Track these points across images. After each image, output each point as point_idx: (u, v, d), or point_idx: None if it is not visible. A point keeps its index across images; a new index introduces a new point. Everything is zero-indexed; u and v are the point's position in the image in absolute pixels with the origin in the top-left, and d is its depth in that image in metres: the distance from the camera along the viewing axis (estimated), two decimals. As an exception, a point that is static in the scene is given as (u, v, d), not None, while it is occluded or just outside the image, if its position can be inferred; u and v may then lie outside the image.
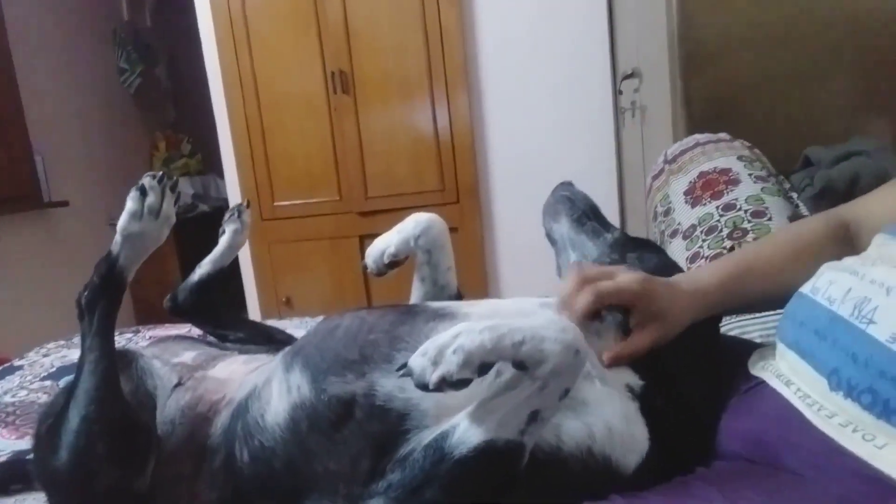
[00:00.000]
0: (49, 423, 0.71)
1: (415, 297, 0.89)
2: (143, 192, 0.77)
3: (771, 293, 0.76)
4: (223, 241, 1.02)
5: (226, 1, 2.70)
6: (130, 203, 0.77)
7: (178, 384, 0.77)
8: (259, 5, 2.71)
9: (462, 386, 0.52)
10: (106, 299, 0.75)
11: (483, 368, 0.52)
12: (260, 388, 0.70)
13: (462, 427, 0.54)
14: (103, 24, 3.98)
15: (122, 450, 0.68)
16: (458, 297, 0.88)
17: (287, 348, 0.74)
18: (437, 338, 0.53)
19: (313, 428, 0.63)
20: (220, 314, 1.01)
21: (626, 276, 0.70)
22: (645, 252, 0.85)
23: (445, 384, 0.52)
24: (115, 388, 0.71)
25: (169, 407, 0.75)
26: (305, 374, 0.66)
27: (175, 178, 0.82)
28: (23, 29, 3.27)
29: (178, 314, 1.02)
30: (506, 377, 0.55)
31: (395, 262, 0.86)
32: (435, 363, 0.52)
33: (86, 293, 0.76)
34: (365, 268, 0.88)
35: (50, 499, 0.74)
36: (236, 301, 2.94)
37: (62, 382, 1.38)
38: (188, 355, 0.84)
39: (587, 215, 0.89)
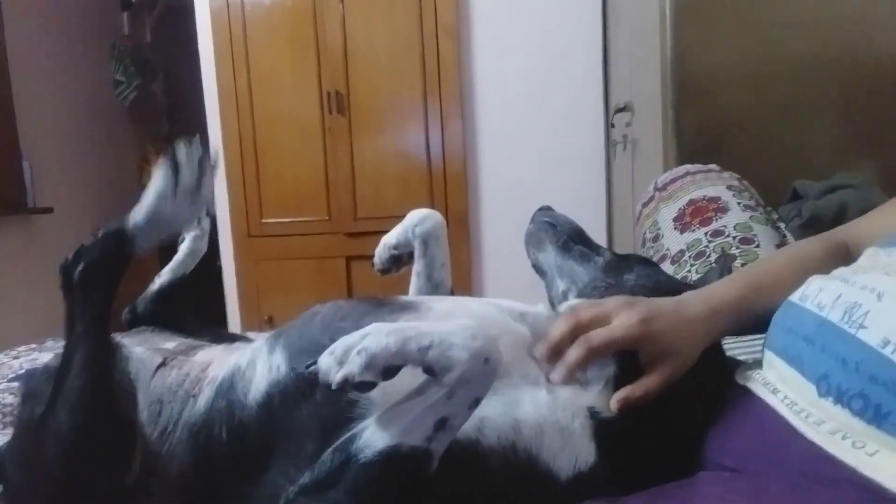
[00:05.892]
0: (40, 414, 0.64)
1: (411, 291, 0.89)
2: (175, 167, 0.65)
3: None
4: (183, 247, 0.96)
5: (226, 18, 2.72)
6: (160, 181, 0.65)
7: (163, 364, 0.74)
8: (259, 24, 2.73)
9: (367, 388, 0.51)
10: (106, 278, 0.65)
11: (389, 372, 0.51)
12: (244, 368, 0.69)
13: (368, 431, 0.53)
14: (103, 37, 4.01)
15: (112, 452, 0.64)
16: (452, 295, 0.89)
17: (272, 331, 0.73)
18: (348, 337, 0.52)
19: (282, 406, 0.63)
20: (183, 323, 0.96)
21: (622, 319, 0.63)
22: (641, 270, 0.80)
23: (349, 385, 0.50)
24: (109, 391, 0.64)
25: (155, 386, 0.71)
26: (284, 355, 0.66)
27: (216, 151, 0.69)
28: (21, 36, 3.28)
29: (139, 325, 0.95)
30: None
31: (399, 260, 0.88)
32: (340, 363, 0.51)
33: (80, 267, 0.64)
34: (373, 266, 0.90)
35: (17, 488, 0.68)
36: (217, 317, 2.89)
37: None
38: (169, 344, 0.82)
39: (573, 239, 0.84)
